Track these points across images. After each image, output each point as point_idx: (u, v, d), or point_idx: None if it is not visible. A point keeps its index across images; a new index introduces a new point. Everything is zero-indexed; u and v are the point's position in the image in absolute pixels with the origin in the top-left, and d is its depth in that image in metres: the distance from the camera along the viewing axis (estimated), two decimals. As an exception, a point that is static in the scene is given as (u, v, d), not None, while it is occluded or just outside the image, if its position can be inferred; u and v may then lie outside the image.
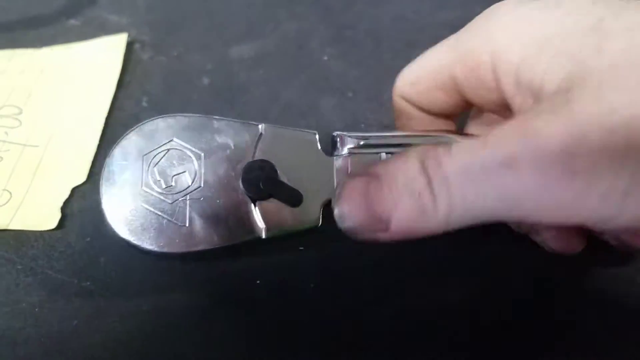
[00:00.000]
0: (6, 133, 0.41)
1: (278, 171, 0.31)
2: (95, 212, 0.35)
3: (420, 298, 0.32)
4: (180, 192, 0.30)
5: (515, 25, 0.27)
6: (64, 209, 0.36)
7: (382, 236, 0.25)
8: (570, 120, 0.22)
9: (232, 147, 0.31)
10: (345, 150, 0.31)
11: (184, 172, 0.31)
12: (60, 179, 0.37)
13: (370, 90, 0.42)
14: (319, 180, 0.31)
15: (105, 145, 0.40)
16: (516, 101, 0.27)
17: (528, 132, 0.22)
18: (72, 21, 0.51)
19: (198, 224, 0.30)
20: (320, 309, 0.31)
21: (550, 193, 0.22)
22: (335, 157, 0.32)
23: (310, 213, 0.31)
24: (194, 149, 0.31)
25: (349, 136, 0.31)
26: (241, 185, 0.30)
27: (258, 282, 0.32)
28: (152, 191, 0.30)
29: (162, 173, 0.31)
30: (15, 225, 0.35)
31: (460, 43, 0.30)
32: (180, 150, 0.31)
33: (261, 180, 0.30)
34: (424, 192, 0.24)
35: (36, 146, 0.40)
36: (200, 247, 0.30)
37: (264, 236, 0.30)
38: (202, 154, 0.31)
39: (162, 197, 0.30)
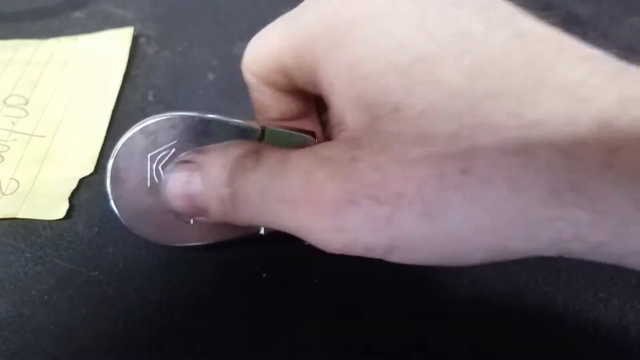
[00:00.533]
0: (13, 123, 0.41)
1: None
2: (103, 203, 0.36)
3: (421, 295, 0.32)
4: None
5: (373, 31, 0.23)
6: (71, 199, 0.36)
7: (204, 220, 0.28)
8: (345, 187, 0.22)
9: None
10: None
11: None
12: (68, 169, 0.38)
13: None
14: None
15: (112, 137, 0.40)
16: (330, 115, 0.26)
17: (312, 183, 0.23)
18: (78, 13, 0.51)
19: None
20: (324, 304, 0.32)
21: (321, 241, 0.24)
22: None
23: None
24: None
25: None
26: None
27: (264, 275, 0.33)
28: (158, 190, 0.31)
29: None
30: (23, 214, 0.35)
31: (295, 26, 0.27)
32: (183, 150, 0.31)
33: None
34: (227, 202, 0.26)
35: (43, 136, 0.40)
36: (205, 242, 0.31)
37: (262, 232, 0.31)
38: None
39: None
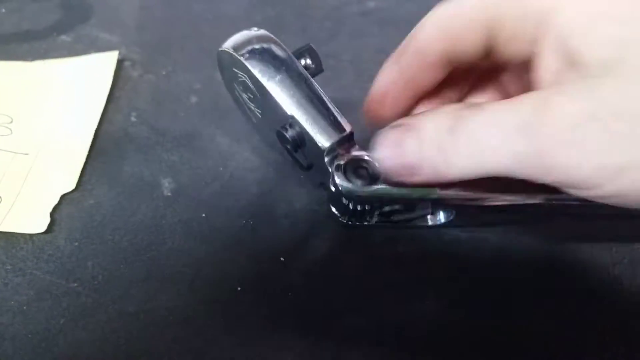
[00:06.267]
0: (-3, 140, 0.42)
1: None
2: (84, 218, 0.37)
3: (400, 305, 0.33)
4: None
5: None
6: (53, 214, 0.37)
7: (411, 180, 0.29)
8: (587, 104, 0.24)
9: None
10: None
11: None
12: (50, 186, 0.39)
13: (351, 116, 0.44)
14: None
15: (95, 155, 0.41)
16: (548, 61, 0.28)
17: (547, 105, 0.25)
18: (64, 37, 0.52)
19: None
20: (305, 311, 0.33)
21: (551, 166, 0.25)
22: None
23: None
24: None
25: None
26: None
27: (239, 289, 0.33)
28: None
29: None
30: (5, 228, 0.36)
31: None
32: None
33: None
34: (447, 148, 0.27)
35: (26, 154, 0.41)
36: None
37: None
38: None
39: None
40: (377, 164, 0.31)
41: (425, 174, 0.28)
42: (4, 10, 0.54)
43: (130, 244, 0.36)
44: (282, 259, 0.35)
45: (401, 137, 0.29)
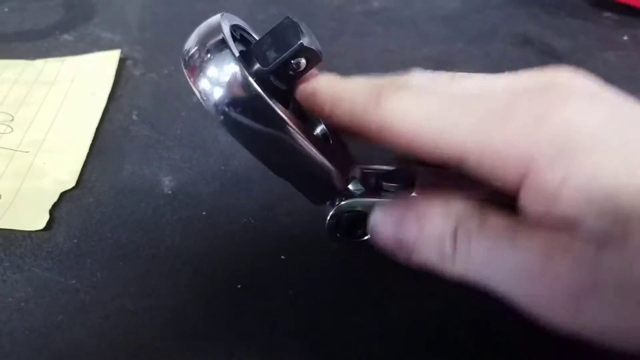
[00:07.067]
0: (-3, 138, 0.42)
1: None
2: (84, 215, 0.36)
3: (400, 308, 0.33)
4: None
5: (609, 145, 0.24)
6: (52, 212, 0.36)
7: (403, 259, 0.28)
8: (596, 270, 0.23)
9: None
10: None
11: None
12: (50, 183, 0.39)
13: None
14: None
15: (95, 153, 0.41)
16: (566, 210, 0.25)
17: (552, 266, 0.24)
18: (66, 36, 0.52)
19: None
20: (305, 309, 0.32)
21: (550, 319, 0.24)
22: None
23: None
24: None
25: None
26: None
27: (239, 286, 0.33)
28: None
29: None
30: (4, 225, 0.35)
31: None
32: None
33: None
34: (446, 253, 0.26)
35: (27, 152, 0.41)
36: None
37: None
38: None
39: None
40: (371, 232, 0.29)
41: (417, 261, 0.27)
42: (6, 9, 0.54)
43: (130, 242, 0.35)
44: (282, 257, 0.35)
45: (402, 218, 0.28)
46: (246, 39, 0.31)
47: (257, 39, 0.31)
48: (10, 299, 0.32)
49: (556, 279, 0.24)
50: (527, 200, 0.25)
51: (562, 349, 0.31)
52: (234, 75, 0.26)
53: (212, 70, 0.27)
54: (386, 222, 0.28)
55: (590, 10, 0.61)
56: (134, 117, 0.44)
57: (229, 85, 0.26)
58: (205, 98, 0.27)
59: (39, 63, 0.49)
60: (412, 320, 0.32)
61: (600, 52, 0.55)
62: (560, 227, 0.24)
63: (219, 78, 0.27)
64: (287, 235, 0.36)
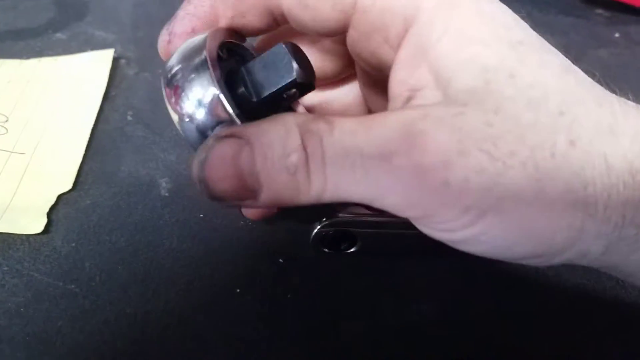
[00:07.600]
0: (-8, 139, 0.42)
1: None
2: (81, 218, 0.36)
3: (394, 313, 0.33)
4: None
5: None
6: (50, 214, 0.36)
7: (249, 204, 0.25)
8: (455, 136, 0.22)
9: None
10: None
11: None
12: (46, 185, 0.38)
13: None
14: None
15: (91, 155, 0.41)
16: (409, 72, 0.25)
17: (414, 133, 0.22)
18: (59, 35, 0.52)
19: None
20: (304, 313, 0.33)
21: (418, 198, 0.23)
22: None
23: None
24: None
25: None
26: None
27: (238, 290, 0.33)
28: None
29: None
30: (1, 228, 0.35)
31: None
32: None
33: None
34: (300, 170, 0.23)
35: (22, 153, 0.41)
36: None
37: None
38: None
39: None
40: (203, 186, 0.24)
41: (267, 198, 0.24)
42: (-2, 7, 0.54)
43: (128, 245, 0.35)
44: (280, 260, 0.35)
45: (237, 155, 0.23)
46: (238, 53, 0.31)
47: (251, 53, 0.31)
48: (9, 304, 0.32)
49: (421, 151, 0.22)
50: (403, 61, 0.25)
51: (562, 348, 0.32)
52: (213, 100, 0.25)
53: (194, 93, 0.26)
54: (221, 169, 0.24)
55: (582, 7, 0.61)
56: (129, 118, 0.44)
57: (209, 110, 0.26)
58: (187, 120, 0.26)
59: (33, 62, 0.48)
60: (411, 325, 0.33)
61: (592, 49, 0.55)
62: (430, 86, 0.24)
63: (200, 101, 0.26)
64: (286, 239, 0.36)
